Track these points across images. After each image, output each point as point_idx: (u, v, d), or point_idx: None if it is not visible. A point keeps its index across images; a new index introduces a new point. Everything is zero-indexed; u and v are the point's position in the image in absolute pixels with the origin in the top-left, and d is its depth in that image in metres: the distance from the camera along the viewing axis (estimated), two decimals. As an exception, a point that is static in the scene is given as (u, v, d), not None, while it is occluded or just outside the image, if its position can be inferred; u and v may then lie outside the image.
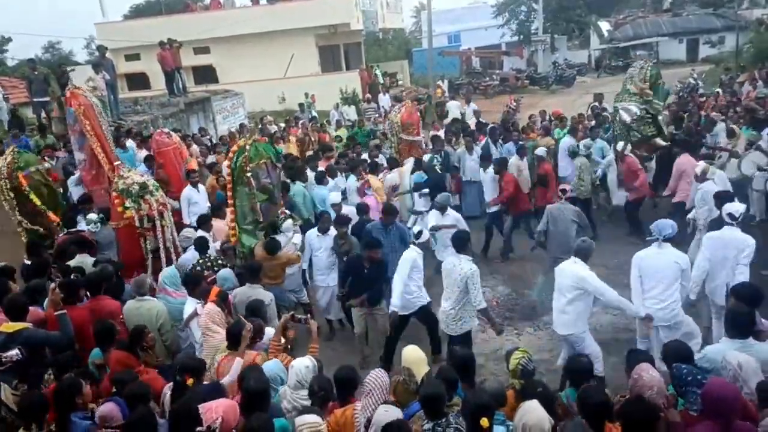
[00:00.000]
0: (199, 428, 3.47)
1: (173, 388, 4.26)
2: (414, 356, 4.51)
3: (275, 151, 7.63)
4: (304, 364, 4.28)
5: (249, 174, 6.80)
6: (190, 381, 4.19)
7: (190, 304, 5.71)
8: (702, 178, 7.75)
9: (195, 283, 5.87)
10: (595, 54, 39.97)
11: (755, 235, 6.15)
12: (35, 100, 13.58)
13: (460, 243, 6.04)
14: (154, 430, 3.67)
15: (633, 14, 42.38)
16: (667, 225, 5.73)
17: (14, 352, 4.35)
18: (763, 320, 4.58)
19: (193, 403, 3.65)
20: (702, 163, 8.09)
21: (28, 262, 6.64)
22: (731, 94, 16.66)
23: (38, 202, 7.72)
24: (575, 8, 41.49)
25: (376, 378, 4.02)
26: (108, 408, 3.83)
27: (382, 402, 3.92)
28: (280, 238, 7.39)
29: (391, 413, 3.74)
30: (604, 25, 40.99)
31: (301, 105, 19.95)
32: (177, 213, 8.54)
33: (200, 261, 6.74)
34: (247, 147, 6.86)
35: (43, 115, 13.49)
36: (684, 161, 8.93)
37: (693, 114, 13.23)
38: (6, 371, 4.34)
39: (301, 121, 17.59)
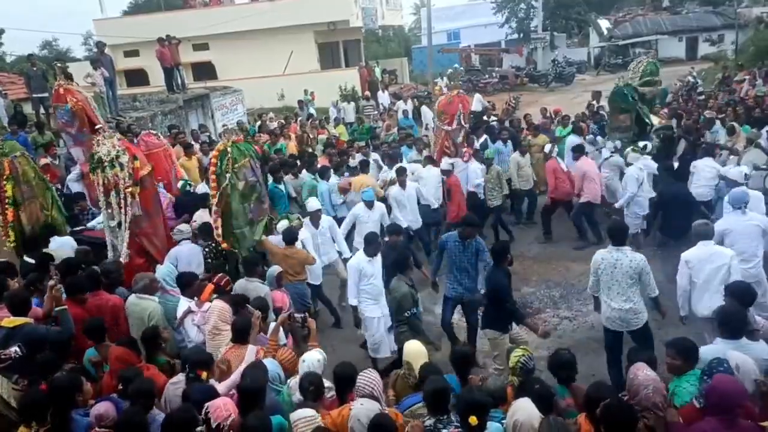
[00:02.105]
0: (198, 428, 3.47)
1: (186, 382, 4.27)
2: (414, 350, 4.53)
3: (255, 150, 7.51)
4: (315, 358, 4.40)
5: (229, 175, 6.73)
6: (204, 375, 4.22)
7: (183, 303, 5.68)
8: (627, 163, 9.01)
9: (188, 282, 5.82)
10: (594, 52, 39.93)
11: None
12: (34, 95, 13.55)
13: (620, 235, 5.84)
14: (145, 429, 3.66)
15: (633, 12, 42.36)
16: (740, 194, 6.35)
17: (14, 349, 4.34)
18: (757, 318, 4.58)
19: (188, 410, 3.63)
20: (628, 150, 9.36)
21: (29, 260, 6.61)
22: (729, 93, 16.70)
23: (9, 193, 7.29)
24: (575, 6, 41.42)
25: (373, 379, 4.00)
26: (104, 407, 3.84)
27: (383, 400, 3.94)
28: (273, 238, 7.37)
29: (366, 406, 3.78)
30: (604, 23, 40.98)
31: (300, 102, 19.93)
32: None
33: (208, 243, 6.88)
34: (229, 149, 6.72)
35: (42, 110, 13.46)
36: (584, 164, 9.56)
37: (692, 112, 13.24)
38: (7, 368, 4.33)
39: (299, 118, 17.57)
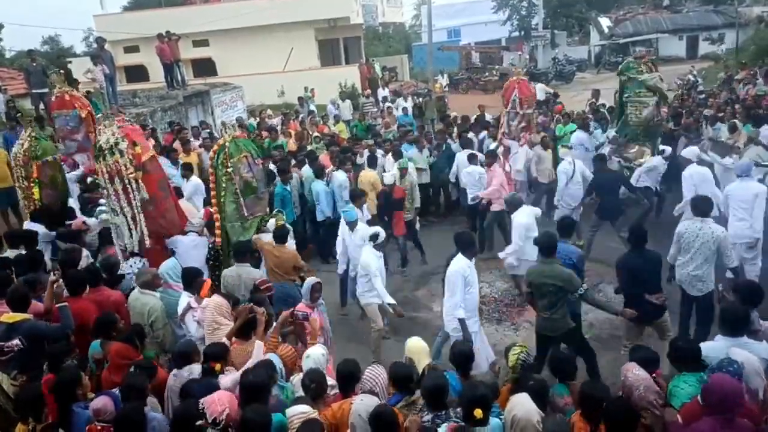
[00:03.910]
0: (198, 422, 3.47)
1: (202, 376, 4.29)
2: (416, 347, 4.53)
3: (256, 147, 7.52)
4: (320, 353, 4.45)
5: (230, 169, 6.80)
6: (218, 366, 4.24)
7: (184, 298, 5.68)
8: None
9: (192, 278, 5.80)
10: (594, 50, 39.92)
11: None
12: (34, 91, 13.53)
13: (707, 207, 6.08)
14: (142, 426, 3.66)
15: (633, 10, 42.27)
16: (745, 165, 7.36)
17: (15, 342, 4.35)
18: (762, 321, 4.57)
19: (191, 406, 3.65)
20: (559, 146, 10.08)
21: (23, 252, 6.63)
22: (730, 91, 16.70)
23: (36, 197, 7.47)
24: (575, 4, 41.48)
25: (375, 375, 4.01)
26: (102, 402, 3.85)
27: (383, 397, 3.94)
28: (264, 236, 7.25)
29: (366, 402, 3.78)
30: (605, 22, 40.94)
31: (300, 99, 19.90)
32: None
33: (214, 245, 6.88)
34: (227, 144, 6.81)
35: (41, 106, 13.45)
36: (498, 171, 9.30)
37: (692, 110, 13.26)
38: (7, 362, 4.34)
39: (300, 116, 17.52)
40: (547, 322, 5.55)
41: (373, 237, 6.80)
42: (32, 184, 7.37)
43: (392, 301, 6.53)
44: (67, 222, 7.59)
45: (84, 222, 7.54)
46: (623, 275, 5.87)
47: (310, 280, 5.79)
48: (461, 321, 5.70)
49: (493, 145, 10.62)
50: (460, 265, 5.76)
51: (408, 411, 3.89)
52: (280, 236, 6.88)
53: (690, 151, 8.54)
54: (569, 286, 5.32)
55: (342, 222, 7.74)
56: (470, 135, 11.42)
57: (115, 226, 6.68)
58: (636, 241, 5.80)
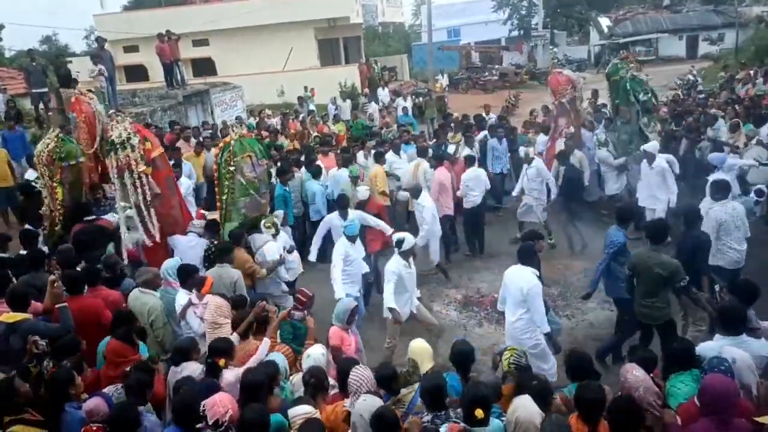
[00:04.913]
0: (198, 425, 3.47)
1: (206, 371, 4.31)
2: (420, 349, 4.52)
3: (261, 147, 7.51)
4: (320, 352, 4.53)
5: (233, 168, 6.82)
6: (222, 362, 4.25)
7: (182, 295, 5.68)
8: (529, 159, 9.50)
9: (188, 274, 5.80)
10: (594, 50, 39.96)
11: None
12: (33, 91, 13.55)
13: (725, 190, 6.57)
14: (137, 425, 3.65)
15: (633, 10, 42.32)
16: (720, 156, 8.22)
17: (43, 342, 4.36)
18: (761, 322, 4.58)
19: (193, 400, 3.65)
20: (522, 148, 10.33)
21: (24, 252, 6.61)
22: (731, 91, 16.72)
23: (60, 197, 7.44)
24: (575, 4, 41.50)
25: (359, 376, 3.97)
26: (94, 403, 3.84)
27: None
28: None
29: (369, 402, 3.77)
30: (604, 21, 41.00)
31: (300, 98, 19.89)
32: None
33: (215, 243, 6.80)
34: (232, 143, 6.89)
35: (41, 106, 13.46)
36: (440, 175, 9.05)
37: (693, 110, 13.27)
38: (5, 361, 4.33)
39: (301, 115, 17.52)
40: (645, 309, 5.56)
41: (399, 243, 6.39)
42: (55, 184, 7.40)
43: (393, 305, 6.27)
44: (86, 218, 7.63)
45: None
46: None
47: (349, 304, 5.54)
48: (547, 335, 5.48)
49: (451, 149, 10.60)
50: (532, 278, 5.45)
51: (396, 408, 3.90)
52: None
53: (652, 146, 8.69)
54: (676, 276, 5.34)
55: (340, 235, 7.23)
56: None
57: (127, 220, 6.71)
58: (689, 222, 6.23)
